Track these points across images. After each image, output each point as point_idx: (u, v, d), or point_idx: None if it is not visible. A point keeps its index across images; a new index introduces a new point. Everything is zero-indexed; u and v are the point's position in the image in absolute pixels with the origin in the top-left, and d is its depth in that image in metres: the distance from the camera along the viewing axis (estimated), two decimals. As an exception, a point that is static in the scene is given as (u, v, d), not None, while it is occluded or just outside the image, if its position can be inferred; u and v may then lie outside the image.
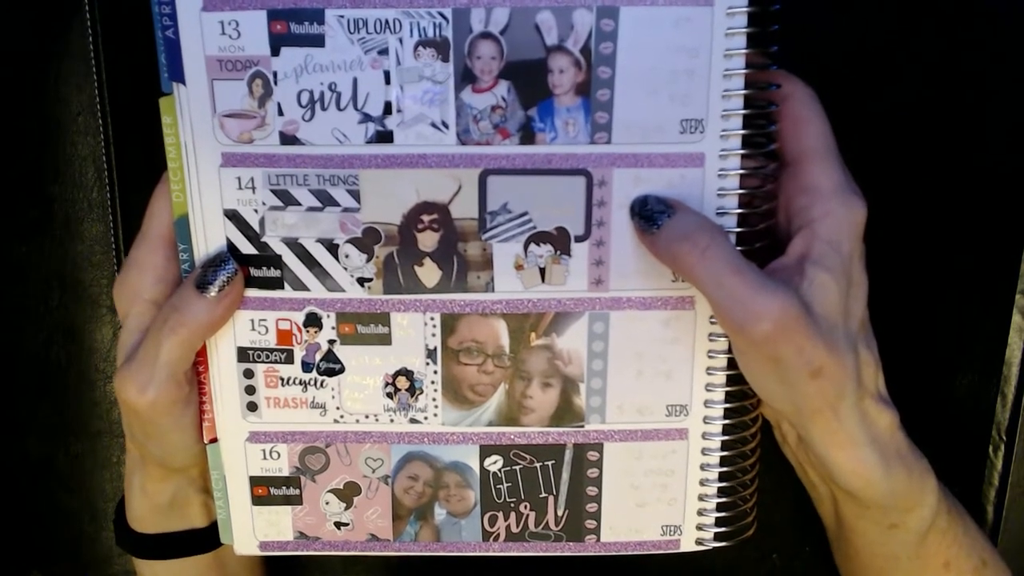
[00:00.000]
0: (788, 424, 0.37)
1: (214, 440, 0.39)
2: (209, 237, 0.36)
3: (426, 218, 0.36)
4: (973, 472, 0.47)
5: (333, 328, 0.37)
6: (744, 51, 0.34)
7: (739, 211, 0.35)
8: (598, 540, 0.40)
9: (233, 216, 0.36)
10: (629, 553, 0.40)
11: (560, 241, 0.36)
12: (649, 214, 0.34)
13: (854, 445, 0.34)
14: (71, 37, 0.44)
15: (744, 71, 0.34)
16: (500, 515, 0.40)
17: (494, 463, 0.39)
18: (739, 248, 0.35)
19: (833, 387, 0.33)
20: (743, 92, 0.34)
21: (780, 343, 0.32)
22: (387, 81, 0.34)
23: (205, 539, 0.41)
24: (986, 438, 0.47)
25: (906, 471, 0.35)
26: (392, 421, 0.38)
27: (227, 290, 0.36)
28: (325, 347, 0.37)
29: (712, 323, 0.37)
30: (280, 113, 0.35)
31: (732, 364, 0.37)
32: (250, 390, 0.38)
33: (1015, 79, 0.43)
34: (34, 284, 0.47)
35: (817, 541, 0.44)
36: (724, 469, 0.39)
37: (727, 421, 0.38)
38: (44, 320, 0.47)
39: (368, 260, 0.36)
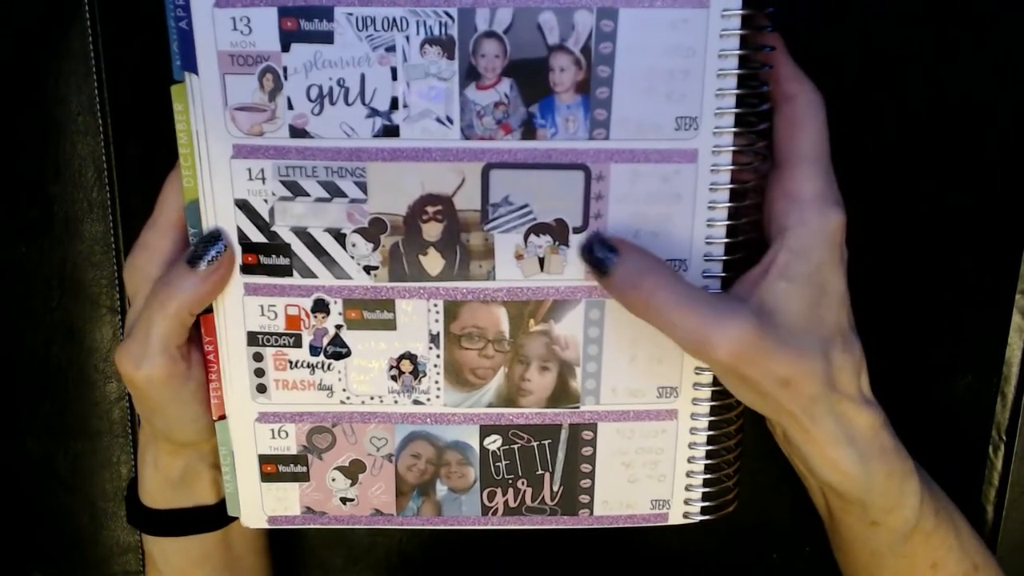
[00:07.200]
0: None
1: (223, 417, 0.40)
2: (219, 225, 0.37)
3: (431, 209, 0.37)
4: (973, 472, 0.48)
5: (340, 314, 0.39)
6: (738, 52, 0.35)
7: (729, 204, 0.37)
8: (591, 514, 0.42)
9: (243, 206, 0.37)
10: (620, 526, 0.42)
11: (559, 232, 0.37)
12: (597, 261, 0.36)
13: (832, 443, 0.35)
14: (71, 37, 0.44)
15: (737, 71, 0.35)
16: (499, 491, 0.42)
17: (493, 442, 0.41)
18: (729, 240, 0.37)
19: (803, 394, 0.34)
20: (736, 92, 0.35)
21: (740, 365, 0.33)
22: (394, 77, 0.35)
23: (214, 516, 0.43)
24: (986, 438, 0.48)
25: (886, 471, 0.36)
26: (396, 402, 0.40)
27: (216, 265, 0.37)
28: (332, 332, 0.39)
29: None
30: (290, 107, 0.36)
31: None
32: (259, 372, 0.40)
33: (1015, 79, 0.43)
34: (34, 284, 0.47)
35: (817, 541, 0.44)
36: (710, 448, 0.41)
37: (714, 403, 0.40)
38: (44, 320, 0.48)
39: (374, 249, 0.38)
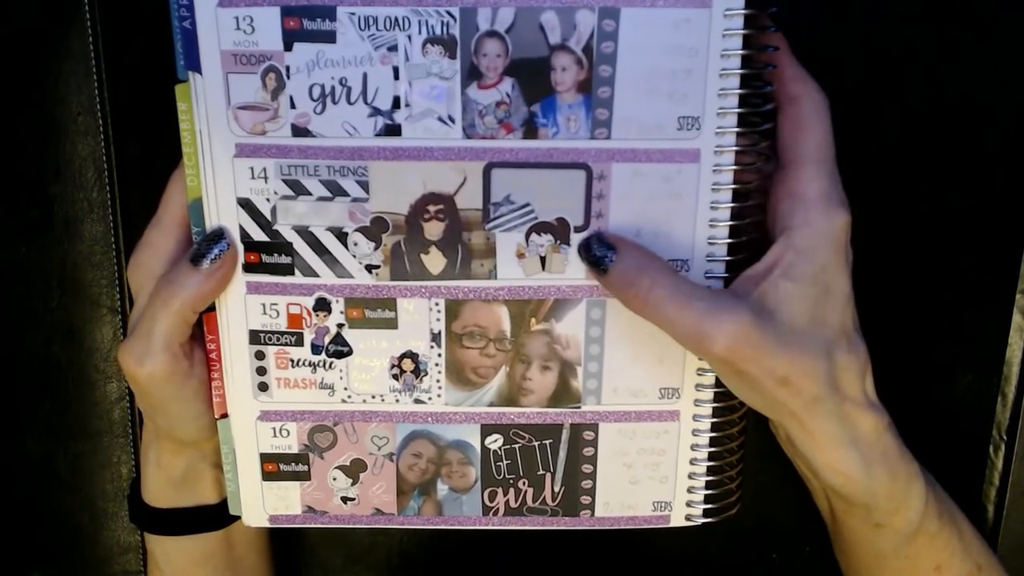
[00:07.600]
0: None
1: (224, 415, 0.40)
2: (222, 223, 0.37)
3: (432, 208, 0.37)
4: (973, 472, 0.48)
5: (342, 312, 0.39)
6: (740, 52, 0.35)
7: (732, 205, 0.37)
8: (592, 515, 0.42)
9: (246, 204, 0.37)
10: (622, 528, 0.42)
11: (560, 231, 0.38)
12: (595, 259, 0.36)
13: (834, 445, 0.35)
14: (71, 37, 0.44)
15: (740, 71, 0.35)
16: (500, 491, 0.42)
17: (494, 441, 0.41)
18: (731, 241, 0.37)
19: (802, 393, 0.34)
20: (739, 92, 0.35)
21: (737, 360, 0.33)
22: (396, 77, 0.35)
23: (216, 516, 0.43)
24: (986, 438, 0.47)
25: (889, 474, 0.36)
26: (397, 401, 0.40)
27: (219, 263, 0.37)
28: (334, 330, 0.39)
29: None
30: (292, 106, 0.36)
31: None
32: (261, 371, 0.40)
33: (1015, 79, 0.43)
34: (34, 284, 0.47)
35: (817, 541, 0.44)
36: (713, 449, 0.41)
37: (717, 404, 0.40)
38: (44, 320, 0.48)
39: (376, 248, 0.38)
